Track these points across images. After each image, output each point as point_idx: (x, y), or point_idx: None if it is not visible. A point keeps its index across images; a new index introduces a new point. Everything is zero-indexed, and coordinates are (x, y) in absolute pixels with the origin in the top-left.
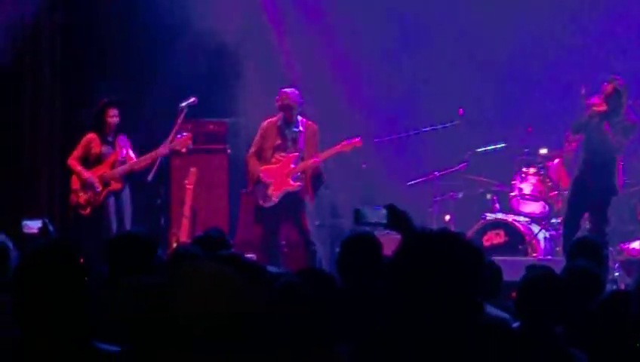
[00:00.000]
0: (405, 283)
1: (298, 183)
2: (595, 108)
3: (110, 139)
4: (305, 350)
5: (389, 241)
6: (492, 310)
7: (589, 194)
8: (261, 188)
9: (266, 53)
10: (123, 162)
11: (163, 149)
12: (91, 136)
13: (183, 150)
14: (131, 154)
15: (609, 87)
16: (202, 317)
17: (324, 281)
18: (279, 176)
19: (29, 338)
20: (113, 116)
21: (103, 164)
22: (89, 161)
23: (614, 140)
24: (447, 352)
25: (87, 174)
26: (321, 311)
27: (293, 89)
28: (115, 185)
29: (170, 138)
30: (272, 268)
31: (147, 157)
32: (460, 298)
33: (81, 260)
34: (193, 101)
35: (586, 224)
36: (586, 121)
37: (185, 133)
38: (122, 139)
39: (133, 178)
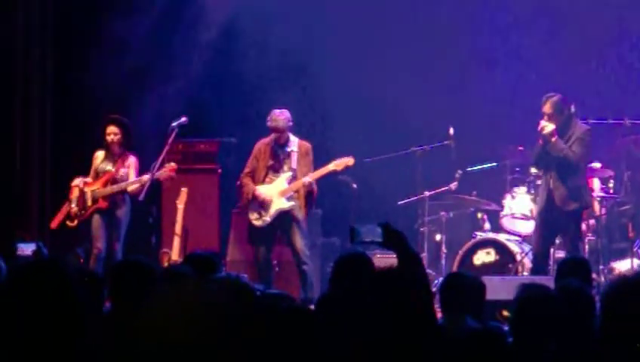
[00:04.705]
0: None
1: (291, 203)
2: (545, 131)
3: (115, 157)
4: None
5: (380, 261)
6: (476, 325)
7: (561, 219)
8: (255, 207)
9: (260, 71)
10: (116, 181)
11: (148, 178)
12: (98, 153)
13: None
14: (132, 174)
15: (547, 106)
16: (161, 342)
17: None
18: (273, 196)
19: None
20: (111, 133)
21: (99, 181)
22: (96, 177)
23: (573, 153)
24: None
25: (77, 182)
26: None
27: (283, 110)
28: (101, 204)
29: (160, 159)
30: (258, 286)
31: (134, 182)
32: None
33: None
34: (184, 121)
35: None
36: (542, 149)
37: (171, 164)
38: (128, 159)
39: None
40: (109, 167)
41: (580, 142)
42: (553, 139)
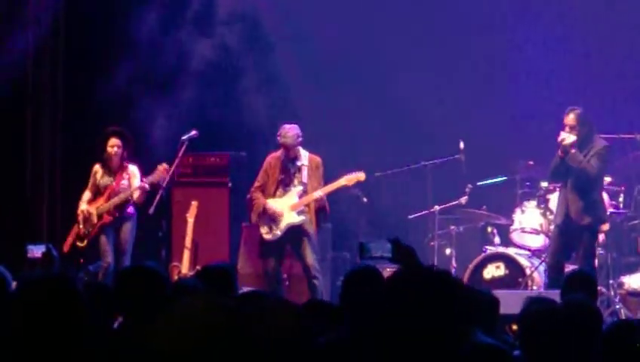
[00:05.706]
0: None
1: (302, 217)
2: (565, 142)
3: (115, 169)
4: None
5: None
6: (486, 339)
7: (577, 232)
8: (266, 221)
9: (270, 85)
10: (117, 194)
11: (144, 183)
12: (96, 167)
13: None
14: (135, 182)
15: (571, 118)
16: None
17: (330, 314)
18: (284, 210)
19: None
20: (114, 146)
21: (103, 196)
22: (98, 193)
23: (591, 167)
24: None
25: (82, 207)
26: None
27: (292, 125)
28: (106, 218)
29: (170, 173)
30: None
31: (135, 189)
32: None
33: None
34: (194, 134)
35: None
36: (561, 162)
37: (163, 165)
38: (127, 169)
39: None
40: (110, 180)
41: (599, 157)
42: (572, 151)
